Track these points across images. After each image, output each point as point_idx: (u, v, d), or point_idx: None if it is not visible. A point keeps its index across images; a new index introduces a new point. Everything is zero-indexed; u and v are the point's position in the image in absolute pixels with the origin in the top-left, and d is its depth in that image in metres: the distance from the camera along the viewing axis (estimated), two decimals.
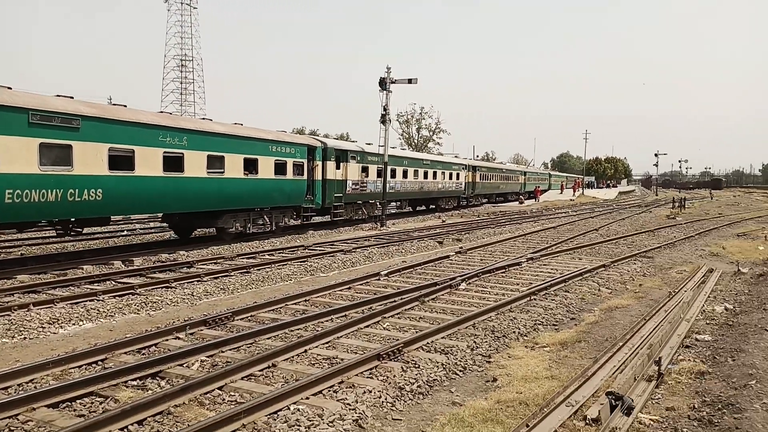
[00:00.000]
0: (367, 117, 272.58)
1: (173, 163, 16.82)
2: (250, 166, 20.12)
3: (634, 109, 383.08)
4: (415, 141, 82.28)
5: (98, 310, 10.04)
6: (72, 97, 14.70)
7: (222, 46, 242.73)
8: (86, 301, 10.64)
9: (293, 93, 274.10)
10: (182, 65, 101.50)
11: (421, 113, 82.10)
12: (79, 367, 7.01)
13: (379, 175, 29.62)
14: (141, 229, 25.20)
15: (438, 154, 62.99)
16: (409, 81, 27.86)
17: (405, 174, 34.21)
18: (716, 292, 11.78)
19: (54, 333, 8.75)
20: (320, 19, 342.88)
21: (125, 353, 7.54)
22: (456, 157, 50.31)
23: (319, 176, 24.60)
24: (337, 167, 26.19)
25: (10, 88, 13.18)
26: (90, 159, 14.23)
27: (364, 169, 28.87)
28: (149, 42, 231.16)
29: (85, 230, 23.19)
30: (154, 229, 25.12)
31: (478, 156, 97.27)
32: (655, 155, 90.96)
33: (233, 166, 19.17)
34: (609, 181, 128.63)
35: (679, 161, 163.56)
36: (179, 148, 16.94)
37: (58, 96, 14.28)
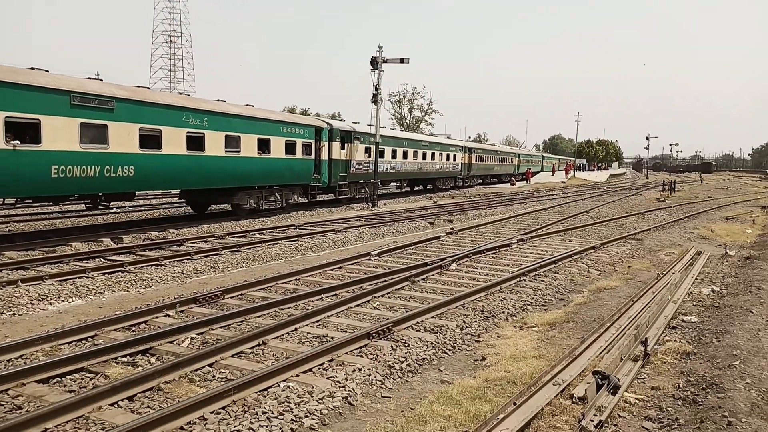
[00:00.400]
0: (358, 96, 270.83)
1: (195, 142, 17.78)
2: (263, 145, 21.09)
3: (627, 92, 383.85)
4: (408, 121, 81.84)
5: (87, 287, 10.00)
6: (101, 80, 15.78)
7: (211, 21, 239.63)
8: (75, 278, 10.60)
9: (283, 71, 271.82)
10: (171, 41, 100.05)
11: (413, 93, 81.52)
12: (69, 343, 7.00)
13: (382, 155, 30.81)
14: (130, 206, 25.03)
15: (430, 134, 62.76)
16: (401, 60, 27.63)
17: (405, 155, 35.02)
18: (704, 274, 11.90)
19: (43, 309, 8.72)
20: None
21: (115, 330, 7.54)
22: (448, 138, 50.37)
23: (325, 156, 25.55)
24: (342, 148, 27.03)
25: (47, 71, 14.05)
26: (123, 138, 15.26)
27: (367, 150, 29.37)
28: (137, 16, 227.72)
29: (73, 207, 23.17)
30: (143, 207, 24.97)
31: (470, 137, 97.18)
32: (646, 138, 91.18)
33: (248, 146, 20.15)
34: (600, 164, 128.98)
35: (670, 144, 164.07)
36: (200, 129, 17.92)
37: (89, 78, 15.27)
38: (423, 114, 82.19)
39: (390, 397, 5.80)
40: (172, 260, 12.49)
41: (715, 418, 4.95)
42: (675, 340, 7.40)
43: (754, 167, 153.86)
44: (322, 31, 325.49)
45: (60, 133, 13.56)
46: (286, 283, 10.45)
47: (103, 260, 12.35)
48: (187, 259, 12.72)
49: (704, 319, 8.40)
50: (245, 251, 13.89)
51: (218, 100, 20.19)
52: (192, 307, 8.68)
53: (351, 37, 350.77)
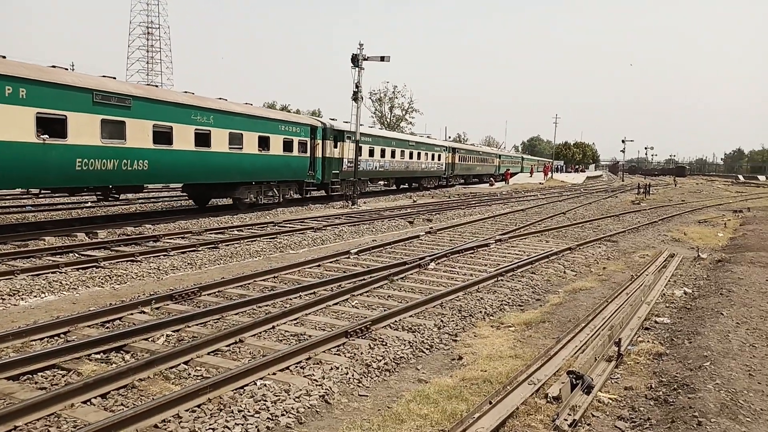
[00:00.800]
0: (337, 93, 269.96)
1: (202, 139, 18.79)
2: (263, 143, 21.99)
3: (604, 95, 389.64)
4: (388, 120, 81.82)
5: (61, 282, 9.82)
6: (114, 78, 16.35)
7: (189, 14, 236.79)
8: (48, 273, 10.40)
9: (262, 66, 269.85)
10: (148, 33, 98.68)
11: (394, 92, 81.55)
12: (41, 339, 6.88)
13: (371, 154, 32.02)
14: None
15: (410, 133, 62.89)
16: (382, 59, 27.72)
17: (393, 154, 35.83)
18: (677, 276, 12.12)
19: (14, 305, 8.55)
20: None
21: (89, 326, 7.42)
22: (429, 137, 50.74)
23: (319, 154, 26.49)
24: (335, 146, 27.79)
25: (67, 69, 14.79)
26: (139, 134, 16.19)
27: (359, 148, 29.60)
28: (113, 7, 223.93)
29: (48, 201, 22.74)
30: (119, 202, 24.57)
31: (450, 137, 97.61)
32: (623, 141, 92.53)
33: (250, 143, 21.04)
34: (577, 166, 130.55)
35: (645, 148, 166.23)
36: (207, 126, 18.78)
37: (104, 77, 15.90)
38: (403, 113, 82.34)
39: (367, 396, 5.80)
40: (148, 256, 12.33)
41: (685, 418, 5.05)
42: (648, 341, 7.53)
43: (727, 172, 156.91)
44: (303, 26, 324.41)
45: (84, 129, 14.42)
46: (264, 280, 10.39)
47: (77, 255, 12.14)
48: (164, 256, 12.56)
49: (676, 321, 8.56)
50: (223, 248, 13.77)
51: (219, 98, 20.72)
52: (168, 304, 8.58)
53: (332, 34, 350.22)
